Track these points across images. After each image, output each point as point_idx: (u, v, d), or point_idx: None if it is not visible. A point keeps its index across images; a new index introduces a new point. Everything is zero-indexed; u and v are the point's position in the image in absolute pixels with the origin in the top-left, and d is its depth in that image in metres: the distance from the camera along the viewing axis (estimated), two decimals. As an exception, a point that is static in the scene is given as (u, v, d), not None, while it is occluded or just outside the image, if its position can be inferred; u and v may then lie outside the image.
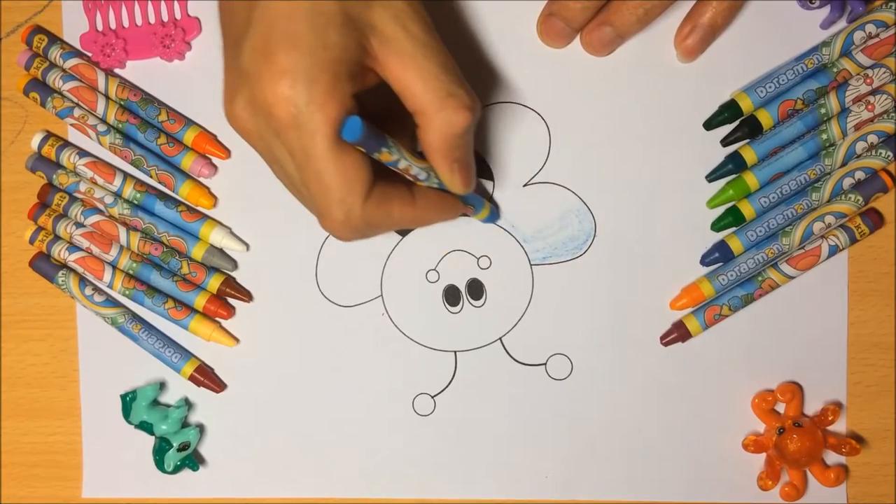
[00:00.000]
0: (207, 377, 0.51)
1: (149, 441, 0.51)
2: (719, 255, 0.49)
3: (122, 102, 0.51)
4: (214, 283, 0.51)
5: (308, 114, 0.37)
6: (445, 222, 0.46)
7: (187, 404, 0.51)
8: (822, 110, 0.48)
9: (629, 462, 0.50)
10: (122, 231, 0.51)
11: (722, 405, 0.50)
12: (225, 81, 0.40)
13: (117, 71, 0.51)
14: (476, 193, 0.47)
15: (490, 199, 0.50)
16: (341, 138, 0.38)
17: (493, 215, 0.50)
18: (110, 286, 0.51)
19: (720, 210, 0.50)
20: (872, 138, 0.48)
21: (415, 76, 0.39)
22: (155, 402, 0.51)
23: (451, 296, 0.51)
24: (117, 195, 0.51)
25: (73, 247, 0.51)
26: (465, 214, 0.47)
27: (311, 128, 0.37)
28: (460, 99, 0.40)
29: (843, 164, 0.49)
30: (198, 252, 0.51)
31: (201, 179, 0.51)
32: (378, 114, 0.40)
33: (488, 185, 0.50)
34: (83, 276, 0.51)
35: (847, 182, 0.49)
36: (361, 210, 0.40)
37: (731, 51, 0.49)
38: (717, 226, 0.50)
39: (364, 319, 0.51)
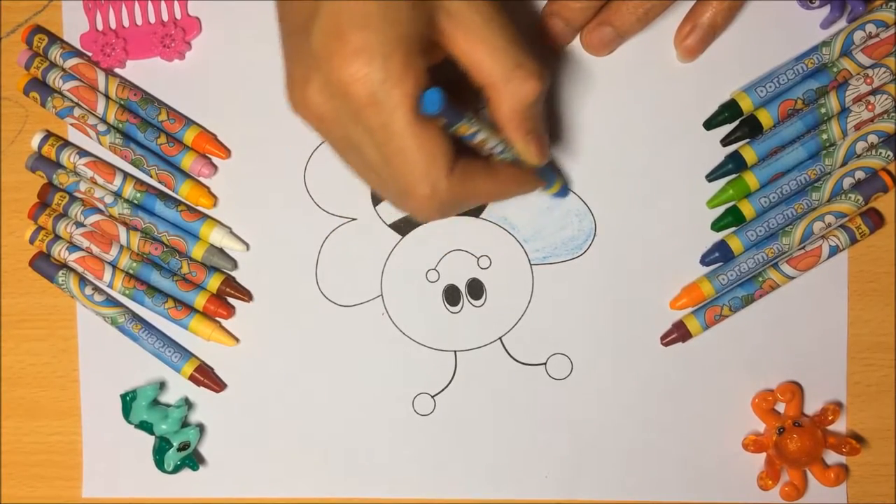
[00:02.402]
0: (207, 377, 0.51)
1: (149, 441, 0.51)
2: (719, 254, 0.49)
3: (122, 102, 0.51)
4: (214, 282, 0.51)
5: (386, 90, 0.37)
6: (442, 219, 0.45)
7: (187, 404, 0.51)
8: (823, 110, 0.48)
9: (629, 462, 0.50)
10: (122, 231, 0.51)
11: (722, 405, 0.50)
12: (290, 70, 0.40)
13: (117, 71, 0.51)
14: (548, 167, 0.47)
15: (560, 173, 0.50)
16: (420, 113, 0.38)
17: (565, 190, 0.49)
18: (110, 286, 0.51)
19: (720, 210, 0.50)
20: (872, 138, 0.48)
21: (482, 49, 0.39)
22: (155, 402, 0.51)
23: (451, 295, 0.51)
24: (117, 195, 0.51)
25: (73, 246, 0.51)
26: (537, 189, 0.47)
27: (390, 104, 0.37)
28: (528, 69, 0.40)
29: (843, 164, 0.49)
30: (198, 252, 0.51)
31: (201, 179, 0.51)
32: (444, 90, 0.39)
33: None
34: (83, 275, 0.51)
35: (847, 182, 0.49)
36: (447, 184, 0.40)
37: (731, 51, 0.49)
38: (717, 226, 0.50)
39: (364, 319, 0.51)
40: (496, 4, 0.40)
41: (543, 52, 0.49)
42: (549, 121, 0.50)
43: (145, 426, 0.51)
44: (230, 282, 0.51)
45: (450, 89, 0.39)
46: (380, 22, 0.37)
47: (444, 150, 0.39)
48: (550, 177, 0.47)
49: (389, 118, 0.37)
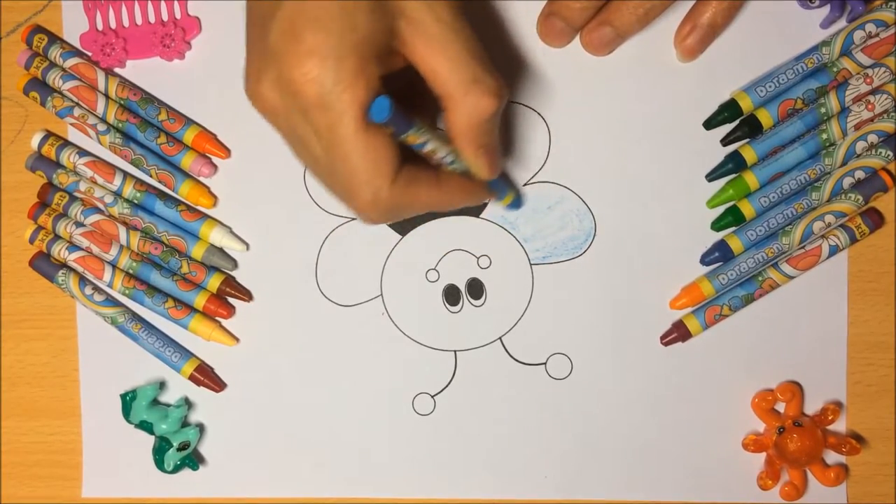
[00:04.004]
0: (207, 377, 0.51)
1: (149, 441, 0.51)
2: (719, 254, 0.49)
3: (122, 102, 0.51)
4: (214, 282, 0.51)
5: (336, 94, 0.37)
6: (442, 219, 0.45)
7: (187, 404, 0.51)
8: (822, 110, 0.48)
9: (629, 462, 0.50)
10: (122, 230, 0.51)
11: (722, 405, 0.50)
12: (249, 61, 0.40)
13: (117, 70, 0.51)
14: (501, 180, 0.46)
15: (514, 185, 0.50)
16: (369, 119, 0.38)
17: (517, 202, 0.49)
18: (110, 285, 0.51)
19: (720, 210, 0.50)
20: (872, 138, 0.48)
21: (442, 60, 0.39)
22: (155, 402, 0.51)
23: (451, 295, 0.51)
24: (117, 194, 0.51)
25: (73, 246, 0.51)
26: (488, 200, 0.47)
27: (338, 108, 0.37)
28: (487, 84, 0.40)
29: (843, 164, 0.49)
30: (198, 251, 0.51)
31: (201, 179, 0.51)
32: (401, 97, 0.39)
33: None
34: (83, 275, 0.51)
35: (847, 181, 0.49)
36: (389, 192, 0.40)
37: (731, 51, 0.49)
38: (717, 225, 0.50)
39: (364, 319, 0.51)
40: (460, 16, 0.40)
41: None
42: (549, 119, 0.50)
43: (145, 426, 0.51)
44: (230, 282, 0.51)
45: (410, 94, 0.39)
46: (337, 25, 0.37)
47: (389, 157, 0.39)
48: (502, 188, 0.47)
49: (337, 122, 0.38)
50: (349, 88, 0.37)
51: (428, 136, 0.40)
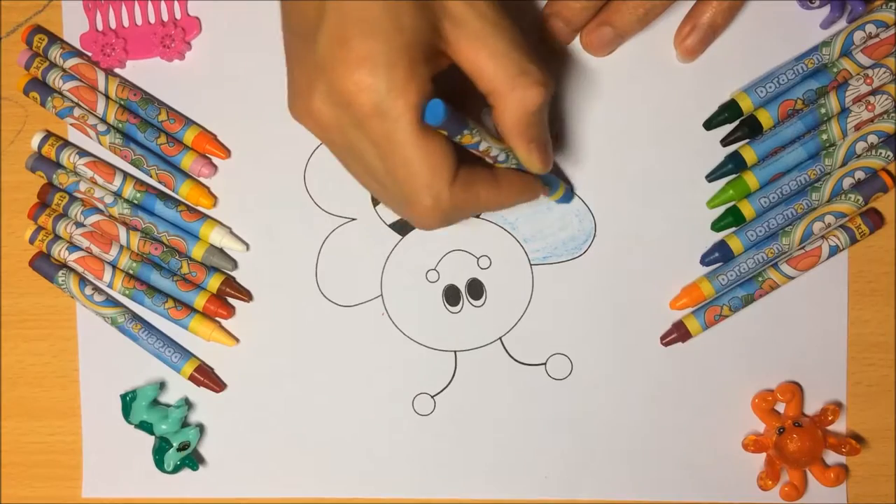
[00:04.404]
0: (207, 377, 0.51)
1: (149, 441, 0.51)
2: (719, 254, 0.49)
3: (122, 102, 0.51)
4: (214, 282, 0.51)
5: (390, 100, 0.37)
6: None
7: (187, 404, 0.51)
8: (822, 110, 0.48)
9: (629, 462, 0.50)
10: (122, 231, 0.51)
11: (722, 405, 0.50)
12: (294, 78, 0.40)
13: (117, 71, 0.51)
14: (551, 174, 0.46)
15: (565, 179, 0.50)
16: (424, 123, 0.37)
17: (568, 195, 0.49)
18: (110, 286, 0.51)
19: (720, 210, 0.50)
20: (872, 138, 0.48)
21: (486, 56, 0.39)
22: (155, 402, 0.51)
23: (451, 295, 0.51)
24: (117, 195, 0.51)
25: (73, 246, 0.51)
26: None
27: (394, 114, 0.37)
28: (533, 76, 0.39)
29: (843, 164, 0.49)
30: (198, 252, 0.51)
31: (201, 179, 0.51)
32: (446, 99, 0.39)
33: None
34: (83, 275, 0.51)
35: (847, 182, 0.49)
36: (449, 194, 0.40)
37: (731, 51, 0.49)
38: (717, 226, 0.50)
39: (364, 319, 0.51)
40: (501, 11, 0.40)
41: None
42: (551, 123, 0.50)
43: (145, 426, 0.51)
44: (230, 282, 0.51)
45: (454, 96, 0.39)
46: (385, 30, 0.37)
47: (447, 160, 0.39)
48: (554, 182, 0.47)
49: (393, 128, 0.37)
50: (403, 94, 0.37)
51: (481, 135, 0.40)
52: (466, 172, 0.40)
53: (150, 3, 0.51)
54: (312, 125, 0.40)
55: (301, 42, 0.39)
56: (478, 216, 0.50)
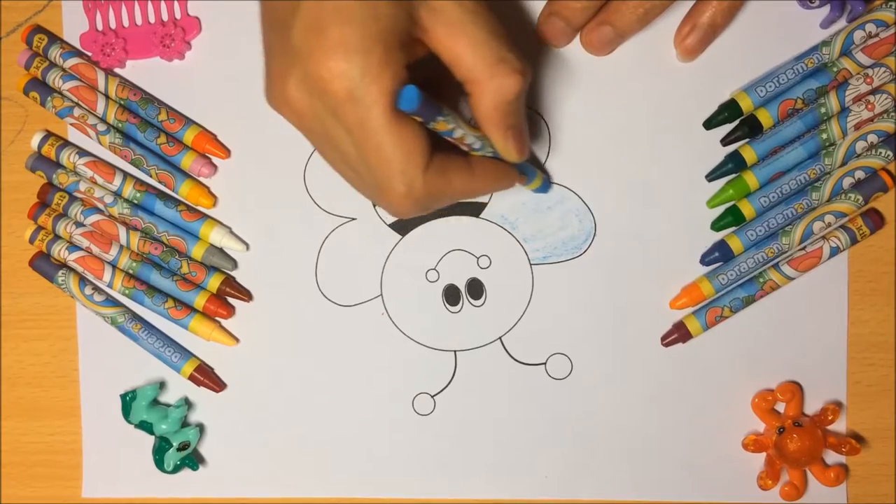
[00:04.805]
0: (207, 377, 0.51)
1: (149, 441, 0.51)
2: (719, 254, 0.49)
3: (121, 102, 0.51)
4: (214, 282, 0.51)
5: (364, 86, 0.37)
6: (442, 219, 0.45)
7: (187, 404, 0.51)
8: (822, 110, 0.48)
9: (629, 462, 0.50)
10: (122, 230, 0.51)
11: (722, 405, 0.50)
12: (270, 65, 0.40)
13: (117, 70, 0.51)
14: (528, 163, 0.46)
15: (542, 168, 0.50)
16: (398, 109, 0.37)
17: (545, 185, 0.49)
18: (110, 286, 0.51)
19: (720, 210, 0.50)
20: (872, 138, 0.48)
21: (464, 44, 0.39)
22: (155, 402, 0.51)
23: (451, 295, 0.51)
24: (117, 195, 0.51)
25: (73, 246, 0.51)
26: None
27: (368, 100, 0.37)
28: (511, 64, 0.39)
29: (843, 164, 0.49)
30: (198, 252, 0.51)
31: (201, 179, 0.51)
32: (422, 87, 0.39)
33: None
34: (83, 275, 0.51)
35: (847, 181, 0.49)
36: (423, 181, 0.39)
37: (731, 51, 0.49)
38: (717, 225, 0.50)
39: (364, 319, 0.51)
40: None
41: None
42: (549, 119, 0.50)
43: (145, 426, 0.51)
44: (230, 282, 0.51)
45: (431, 85, 0.39)
46: (360, 17, 0.37)
47: (421, 146, 0.39)
48: (531, 172, 0.47)
49: (366, 115, 0.37)
50: (377, 80, 0.37)
51: (456, 122, 0.40)
52: (440, 159, 0.40)
53: (150, 3, 0.51)
54: (289, 113, 0.40)
55: (276, 32, 0.39)
56: (476, 213, 0.50)
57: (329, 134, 0.39)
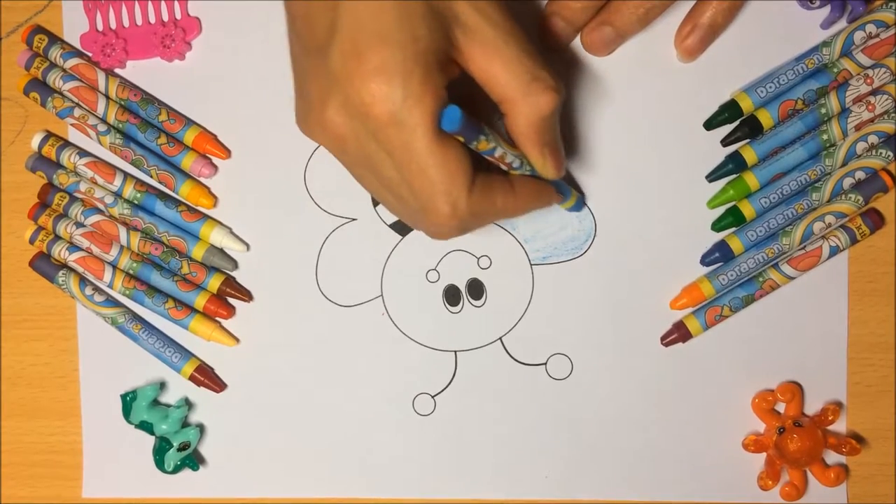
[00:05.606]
0: (207, 377, 0.51)
1: (149, 441, 0.51)
2: (719, 254, 0.49)
3: (122, 102, 0.51)
4: (214, 282, 0.51)
5: (407, 109, 0.37)
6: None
7: (187, 404, 0.51)
8: (823, 110, 0.48)
9: (629, 462, 0.50)
10: (123, 231, 0.51)
11: (722, 405, 0.50)
12: (304, 90, 0.39)
13: (117, 71, 0.51)
14: (563, 181, 0.46)
15: (577, 187, 0.50)
16: (440, 130, 0.37)
17: (579, 204, 0.49)
18: (110, 286, 0.51)
19: (720, 210, 0.50)
20: (873, 138, 0.48)
21: (499, 64, 0.39)
22: (155, 402, 0.51)
23: (452, 296, 0.51)
24: (117, 195, 0.51)
25: (74, 247, 0.51)
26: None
27: (411, 123, 0.37)
28: (545, 81, 0.39)
29: (844, 164, 0.49)
30: (198, 252, 0.51)
31: (201, 179, 0.51)
32: (458, 107, 0.39)
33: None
34: (83, 275, 0.51)
35: (847, 182, 0.49)
36: (467, 201, 0.39)
37: (731, 51, 0.49)
38: (718, 226, 0.50)
39: (364, 319, 0.51)
40: (512, 18, 0.40)
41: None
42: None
43: (145, 426, 0.51)
44: (230, 282, 0.51)
45: (466, 104, 0.39)
46: (398, 39, 0.37)
47: (465, 167, 0.39)
48: (566, 190, 0.47)
49: (410, 137, 0.37)
50: (419, 102, 0.37)
51: (497, 141, 0.40)
52: (483, 179, 0.40)
53: (150, 3, 0.51)
54: (327, 138, 0.39)
55: (312, 56, 0.39)
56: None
57: (370, 158, 0.39)
